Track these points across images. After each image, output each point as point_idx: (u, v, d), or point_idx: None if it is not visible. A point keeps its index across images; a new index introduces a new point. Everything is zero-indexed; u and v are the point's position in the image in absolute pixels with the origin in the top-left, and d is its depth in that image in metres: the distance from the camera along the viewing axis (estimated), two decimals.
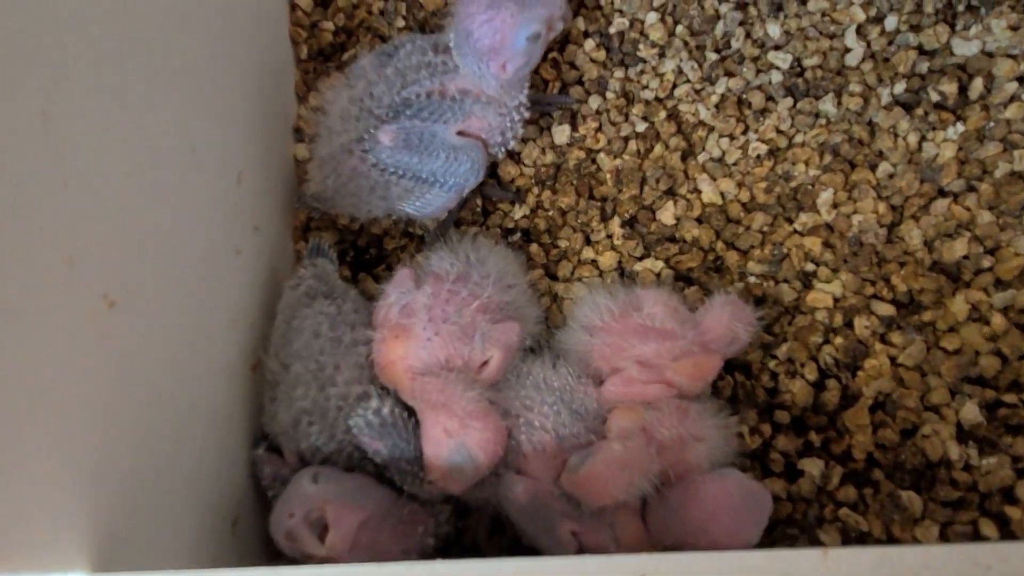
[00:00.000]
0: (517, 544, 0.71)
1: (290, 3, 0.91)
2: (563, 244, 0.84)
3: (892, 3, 0.84)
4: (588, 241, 0.84)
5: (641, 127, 0.86)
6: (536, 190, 0.86)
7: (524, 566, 0.46)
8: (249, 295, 0.75)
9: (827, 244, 0.80)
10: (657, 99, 0.87)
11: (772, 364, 0.77)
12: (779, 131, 0.84)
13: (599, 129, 0.86)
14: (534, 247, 0.84)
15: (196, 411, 0.65)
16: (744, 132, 0.84)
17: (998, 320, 0.73)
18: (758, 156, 0.83)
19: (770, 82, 0.85)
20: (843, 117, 0.83)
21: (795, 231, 0.81)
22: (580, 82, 0.89)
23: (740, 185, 0.83)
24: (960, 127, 0.80)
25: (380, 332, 0.72)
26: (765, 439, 0.74)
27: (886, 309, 0.76)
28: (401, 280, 0.74)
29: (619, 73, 0.88)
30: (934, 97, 0.81)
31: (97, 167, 0.52)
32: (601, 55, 0.88)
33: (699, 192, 0.83)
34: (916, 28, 0.83)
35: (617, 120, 0.86)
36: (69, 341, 0.50)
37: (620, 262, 0.82)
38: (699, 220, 0.83)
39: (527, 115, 0.80)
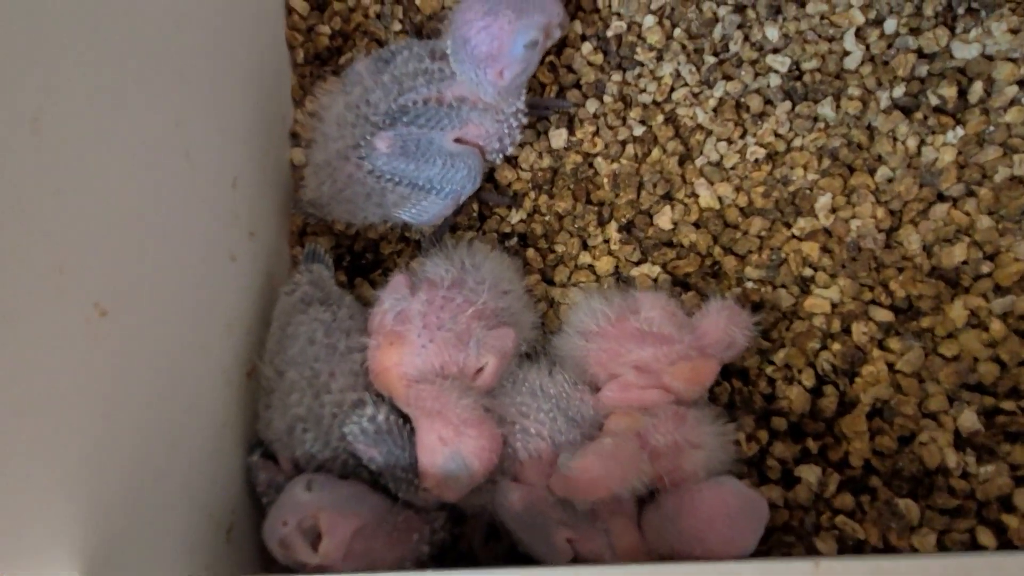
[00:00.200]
0: (513, 551, 0.70)
1: (286, 7, 0.90)
2: (560, 249, 0.83)
3: (891, 6, 0.83)
4: (585, 246, 0.83)
5: (639, 131, 0.85)
6: (533, 194, 0.85)
7: None
8: (244, 301, 0.75)
9: (825, 249, 0.79)
10: (655, 103, 0.86)
11: (769, 370, 0.77)
12: (777, 135, 0.83)
13: (596, 133, 0.86)
14: (531, 252, 0.83)
15: (191, 417, 0.65)
16: (742, 136, 0.84)
17: (997, 326, 0.73)
18: (756, 160, 0.83)
19: (768, 86, 0.84)
20: (842, 121, 0.82)
21: (793, 236, 0.80)
22: (577, 86, 0.88)
23: (738, 189, 0.82)
24: (960, 131, 0.80)
25: (375, 339, 0.72)
26: (762, 446, 0.74)
27: (884, 315, 0.76)
28: (396, 286, 0.74)
29: (616, 77, 0.87)
30: (933, 101, 0.81)
31: (89, 175, 0.52)
32: (598, 58, 0.88)
33: (696, 197, 0.83)
34: (916, 31, 0.83)
35: (614, 124, 0.86)
36: (60, 349, 0.49)
37: (617, 267, 0.82)
38: (696, 225, 0.82)
39: (524, 121, 0.79)
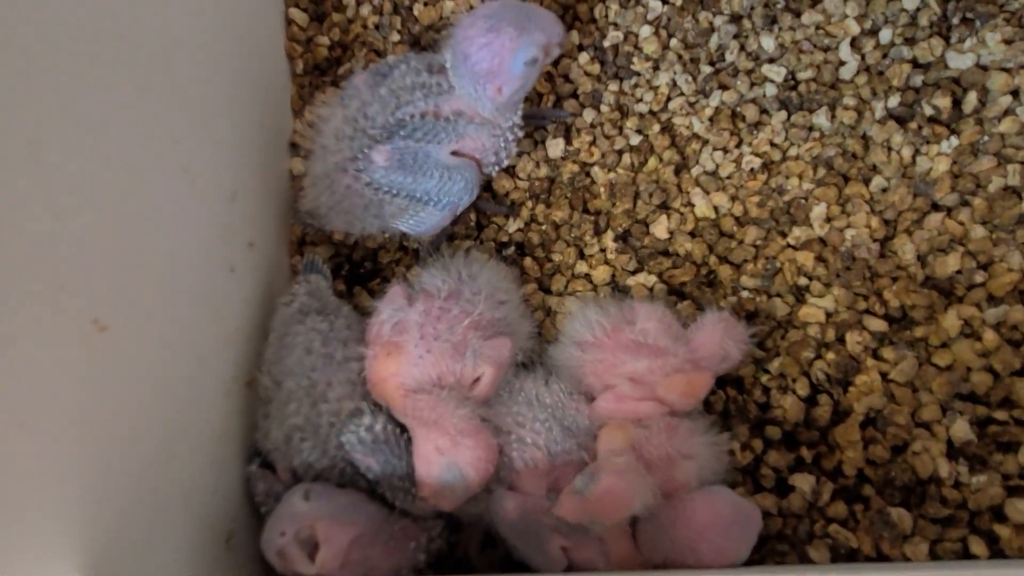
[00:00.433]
0: (509, 559, 0.71)
1: (286, 19, 0.91)
2: (557, 258, 0.84)
3: (887, 16, 0.84)
4: (582, 255, 0.84)
5: (635, 140, 0.86)
6: (530, 204, 0.86)
7: None
8: (244, 311, 0.76)
9: (820, 258, 0.80)
10: (651, 112, 0.87)
11: (764, 379, 0.77)
12: (773, 144, 0.84)
13: (593, 142, 0.86)
14: (528, 261, 0.84)
15: (190, 428, 0.66)
16: (738, 145, 0.84)
17: (990, 336, 0.73)
18: (752, 170, 0.83)
19: (764, 95, 0.85)
20: (837, 131, 0.83)
21: (788, 245, 0.81)
22: (574, 95, 0.89)
23: (733, 199, 0.83)
24: (954, 141, 0.80)
25: (372, 349, 0.73)
26: (757, 454, 0.74)
27: (878, 324, 0.76)
28: (393, 297, 0.74)
29: (613, 86, 0.88)
30: (928, 111, 0.81)
31: (87, 194, 0.53)
32: (595, 68, 0.88)
33: (692, 206, 0.83)
34: (911, 41, 0.83)
35: (611, 133, 0.87)
36: (59, 365, 0.50)
37: (613, 276, 0.82)
38: (692, 234, 0.83)
39: (520, 135, 0.80)
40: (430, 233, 0.82)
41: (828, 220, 0.80)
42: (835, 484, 0.72)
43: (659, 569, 0.67)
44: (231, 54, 0.78)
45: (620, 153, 0.86)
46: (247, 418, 0.75)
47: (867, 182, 0.81)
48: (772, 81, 0.85)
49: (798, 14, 0.86)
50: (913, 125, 0.81)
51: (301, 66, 0.91)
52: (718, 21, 0.87)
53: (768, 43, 0.85)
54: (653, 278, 0.81)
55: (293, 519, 0.64)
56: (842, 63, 0.84)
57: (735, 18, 0.87)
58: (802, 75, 0.85)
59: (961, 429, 0.71)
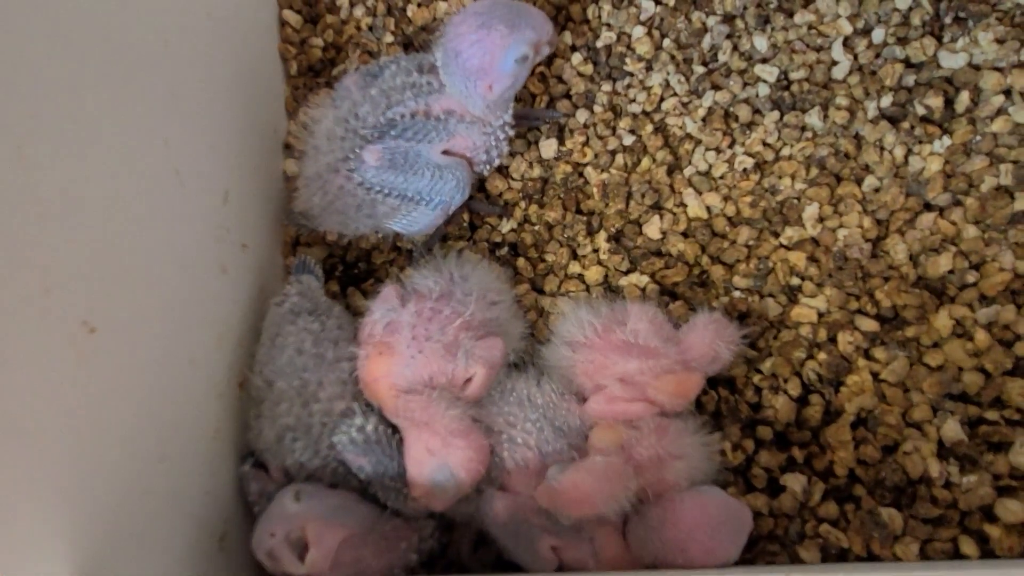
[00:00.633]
0: (501, 559, 0.71)
1: (280, 20, 0.91)
2: (550, 258, 0.84)
3: (879, 16, 0.84)
4: (575, 255, 0.84)
5: (628, 140, 0.86)
6: (523, 204, 0.86)
7: None
8: (236, 312, 0.76)
9: (812, 258, 0.80)
10: (644, 112, 0.87)
11: (756, 379, 0.77)
12: (765, 144, 0.84)
13: (586, 143, 0.87)
14: (521, 261, 0.84)
15: (182, 428, 0.66)
16: (731, 145, 0.84)
17: (982, 336, 0.73)
18: (744, 170, 0.83)
19: (757, 95, 0.85)
20: (829, 130, 0.83)
21: (780, 245, 0.81)
22: (567, 96, 0.89)
23: (726, 199, 0.83)
24: (946, 140, 0.80)
25: (364, 349, 0.73)
26: (748, 454, 0.74)
27: (870, 324, 0.76)
28: (386, 297, 0.75)
29: (606, 87, 0.88)
30: (920, 110, 0.81)
31: (75, 196, 0.53)
32: (588, 69, 0.89)
33: (685, 206, 0.83)
34: (903, 41, 0.83)
35: (604, 134, 0.87)
36: (49, 367, 0.51)
37: (606, 276, 0.83)
38: (685, 234, 0.83)
39: (512, 134, 0.80)
40: (423, 233, 0.82)
41: (820, 220, 0.80)
42: (826, 484, 0.72)
43: (649, 569, 0.67)
44: (224, 55, 0.79)
45: (613, 153, 0.86)
46: (240, 418, 0.75)
47: (859, 182, 0.81)
48: (765, 81, 0.85)
49: (791, 14, 0.86)
50: (905, 125, 0.81)
51: (295, 67, 0.91)
52: (711, 21, 0.87)
53: (761, 43, 0.85)
54: (646, 278, 0.81)
55: (283, 520, 0.64)
56: (835, 63, 0.84)
57: (728, 18, 0.87)
58: (795, 75, 0.84)
59: (952, 429, 0.71)
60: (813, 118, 0.83)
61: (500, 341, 0.73)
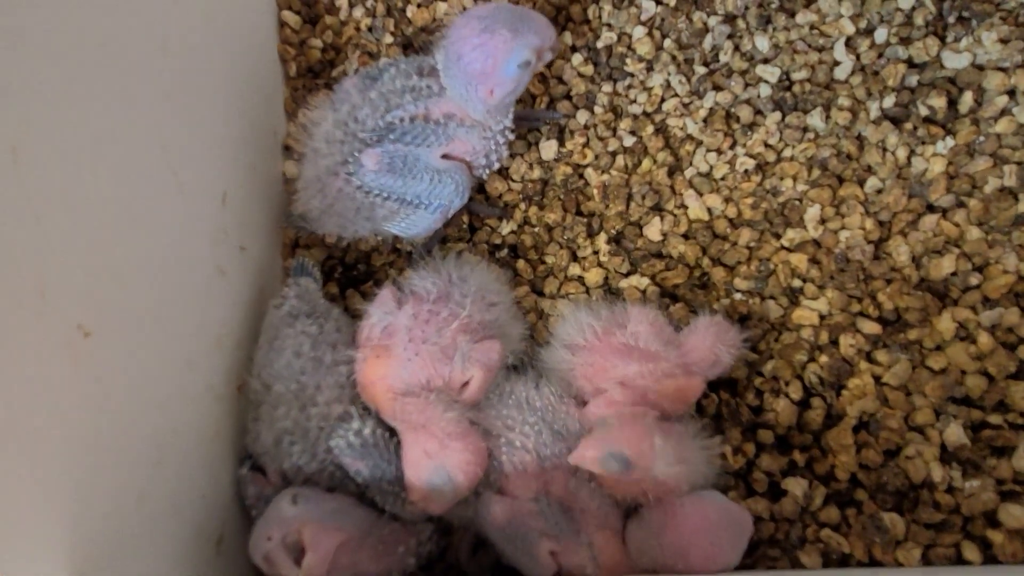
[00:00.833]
0: (499, 563, 0.71)
1: (279, 21, 0.91)
2: (550, 260, 0.84)
3: (882, 15, 0.83)
4: (575, 257, 0.84)
5: (629, 142, 0.85)
6: (523, 206, 0.86)
7: None
8: (234, 315, 0.76)
9: (814, 260, 0.79)
10: (645, 113, 0.87)
11: (758, 382, 0.77)
12: (767, 145, 0.83)
13: (586, 144, 0.86)
14: (521, 263, 0.84)
15: (180, 431, 0.66)
16: (732, 147, 0.84)
17: (985, 339, 0.72)
18: (745, 171, 0.83)
19: (758, 96, 0.84)
20: (831, 131, 0.82)
21: (782, 247, 0.80)
22: (568, 97, 0.88)
23: (727, 200, 0.82)
24: (950, 141, 0.79)
25: (362, 352, 0.73)
26: (749, 458, 0.74)
27: (872, 327, 0.75)
28: (384, 300, 0.74)
29: (607, 87, 0.87)
30: (923, 111, 0.80)
31: (70, 199, 0.53)
32: (589, 69, 0.88)
33: (686, 208, 0.83)
34: (906, 41, 0.82)
35: (604, 135, 0.86)
36: (44, 370, 0.50)
37: (606, 278, 0.82)
38: (685, 236, 0.82)
39: (512, 138, 0.80)
40: (422, 235, 0.82)
41: (822, 222, 0.80)
42: (828, 488, 0.72)
43: (648, 574, 0.67)
44: (223, 56, 0.78)
45: (613, 155, 0.85)
46: (237, 421, 0.75)
47: (862, 183, 0.80)
48: (766, 82, 0.84)
49: (792, 14, 0.85)
50: (908, 125, 0.81)
51: (294, 68, 0.91)
52: (712, 21, 0.86)
53: (762, 43, 0.85)
54: (646, 280, 0.81)
55: (280, 523, 0.64)
56: (837, 63, 0.83)
57: (729, 18, 0.86)
58: (796, 75, 0.84)
59: (954, 433, 0.70)
60: (815, 119, 0.82)
61: (498, 344, 0.73)
